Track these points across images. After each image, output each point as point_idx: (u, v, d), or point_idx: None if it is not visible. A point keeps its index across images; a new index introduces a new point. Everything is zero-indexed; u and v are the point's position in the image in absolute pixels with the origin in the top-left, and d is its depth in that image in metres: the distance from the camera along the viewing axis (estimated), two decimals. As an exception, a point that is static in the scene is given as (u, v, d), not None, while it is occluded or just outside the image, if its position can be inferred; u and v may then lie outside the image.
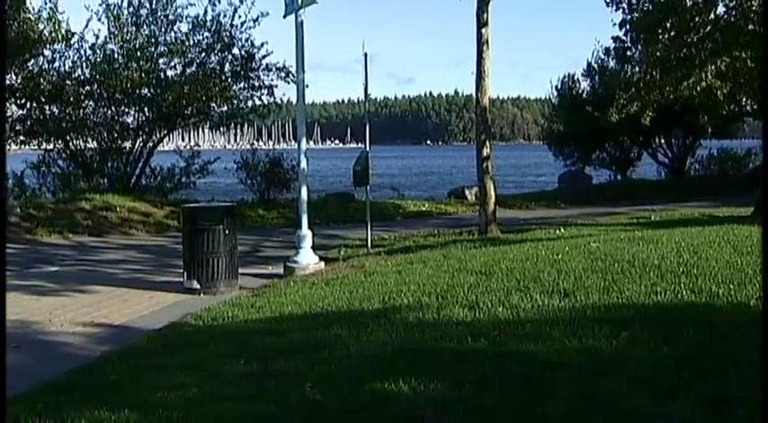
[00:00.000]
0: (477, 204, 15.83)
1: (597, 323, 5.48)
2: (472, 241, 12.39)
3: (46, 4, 19.16)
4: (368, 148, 12.84)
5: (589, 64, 27.34)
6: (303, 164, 11.12)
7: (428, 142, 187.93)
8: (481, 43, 13.28)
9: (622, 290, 6.71)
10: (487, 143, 13.75)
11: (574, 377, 4.42)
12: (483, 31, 13.28)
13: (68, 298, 9.25)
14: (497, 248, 10.56)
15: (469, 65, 13.77)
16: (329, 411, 4.12)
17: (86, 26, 20.21)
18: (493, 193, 13.56)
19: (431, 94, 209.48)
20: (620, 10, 16.26)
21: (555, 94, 28.93)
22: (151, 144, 21.39)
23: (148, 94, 20.51)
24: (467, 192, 22.41)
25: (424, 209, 20.47)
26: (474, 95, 13.89)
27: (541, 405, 4.05)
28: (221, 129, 24.34)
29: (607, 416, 3.85)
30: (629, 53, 20.83)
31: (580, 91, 28.05)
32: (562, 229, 13.50)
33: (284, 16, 11.14)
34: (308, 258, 10.59)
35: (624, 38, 18.53)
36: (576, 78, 28.21)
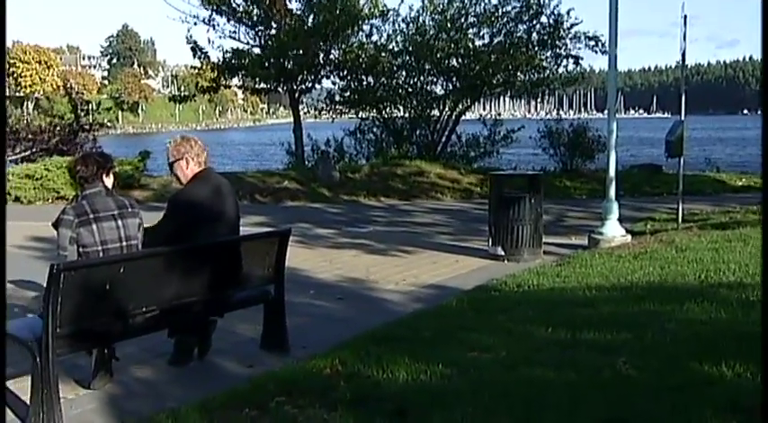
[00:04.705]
0: (807, 180, 14.26)
1: None
2: (801, 220, 11.18)
3: (365, -18, 20.47)
4: (682, 117, 12.09)
5: None
6: (613, 134, 10.76)
7: (745, 112, 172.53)
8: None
9: None
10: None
11: None
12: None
13: (382, 256, 9.91)
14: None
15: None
16: (644, 388, 3.99)
17: (402, 1, 21.31)
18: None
19: (750, 58, 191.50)
20: None
21: None
22: (457, 112, 22.06)
23: (456, 65, 21.10)
24: (793, 166, 20.29)
25: (740, 183, 18.87)
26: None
27: None
28: (523, 98, 24.35)
29: None
30: None
31: None
32: None
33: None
34: (614, 230, 10.28)
35: None
36: None
